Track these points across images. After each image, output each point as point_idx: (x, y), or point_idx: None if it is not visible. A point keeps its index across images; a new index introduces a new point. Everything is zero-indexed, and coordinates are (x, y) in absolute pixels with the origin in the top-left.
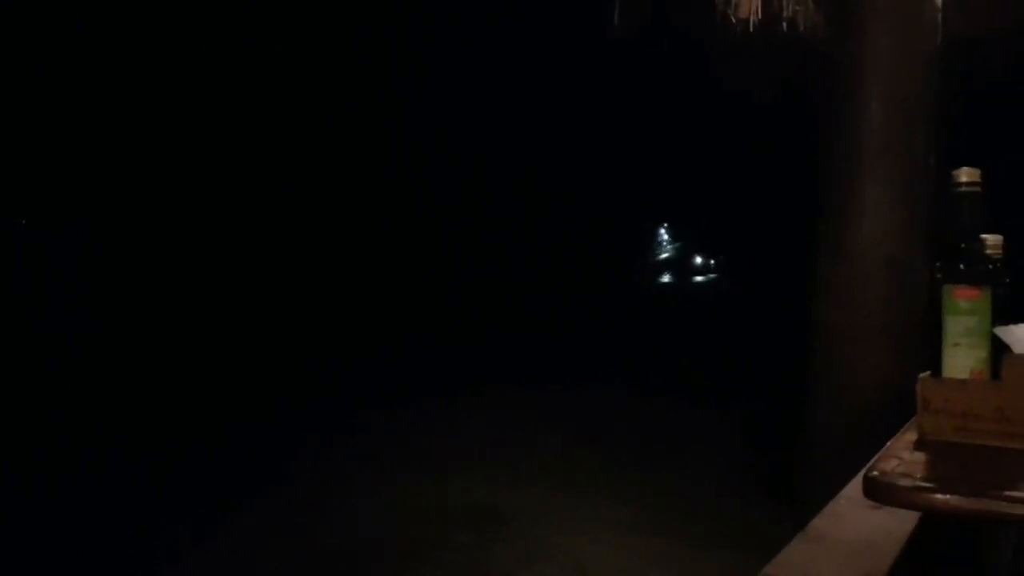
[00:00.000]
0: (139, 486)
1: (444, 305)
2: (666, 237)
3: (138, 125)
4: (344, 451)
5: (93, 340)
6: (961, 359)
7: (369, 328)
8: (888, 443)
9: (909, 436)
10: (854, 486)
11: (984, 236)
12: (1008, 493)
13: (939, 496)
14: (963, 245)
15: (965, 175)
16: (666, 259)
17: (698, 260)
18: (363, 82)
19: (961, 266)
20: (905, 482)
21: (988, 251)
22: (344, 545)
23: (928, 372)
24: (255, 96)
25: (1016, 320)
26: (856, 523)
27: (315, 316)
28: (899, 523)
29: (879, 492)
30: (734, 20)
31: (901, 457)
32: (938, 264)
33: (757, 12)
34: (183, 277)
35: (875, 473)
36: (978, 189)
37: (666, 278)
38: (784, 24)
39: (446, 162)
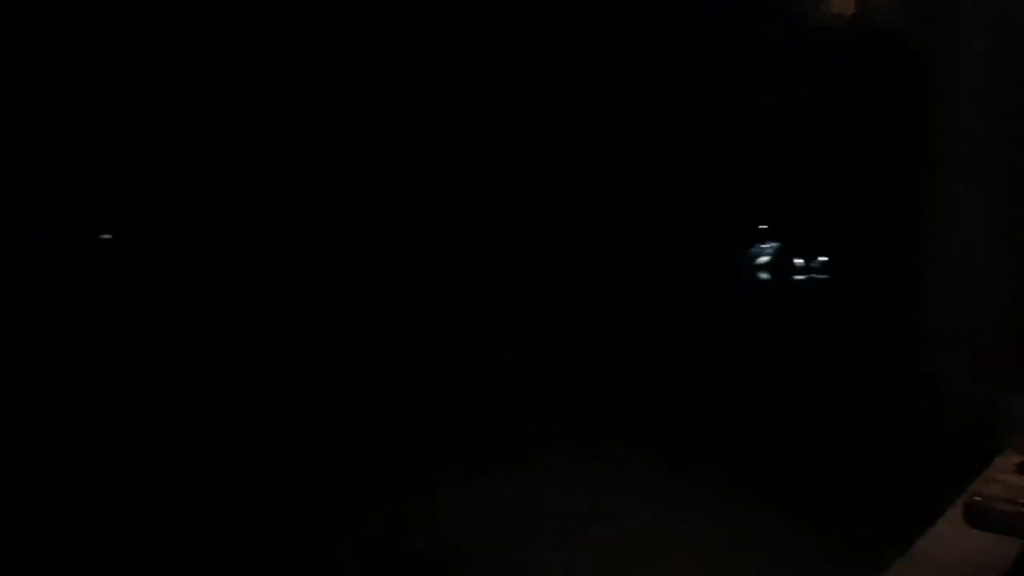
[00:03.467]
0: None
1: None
2: (764, 235)
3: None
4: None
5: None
6: None
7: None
8: (992, 463)
9: (1014, 458)
10: (956, 508)
11: None
12: None
13: None
14: None
15: None
16: (764, 260)
17: (798, 260)
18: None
19: None
20: (1006, 508)
21: None
22: None
23: None
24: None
25: None
26: (958, 545)
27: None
28: (1003, 546)
29: (980, 517)
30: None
31: (1004, 481)
32: None
33: (852, 8)
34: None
35: (977, 498)
36: None
37: (763, 276)
38: (878, 25)
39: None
